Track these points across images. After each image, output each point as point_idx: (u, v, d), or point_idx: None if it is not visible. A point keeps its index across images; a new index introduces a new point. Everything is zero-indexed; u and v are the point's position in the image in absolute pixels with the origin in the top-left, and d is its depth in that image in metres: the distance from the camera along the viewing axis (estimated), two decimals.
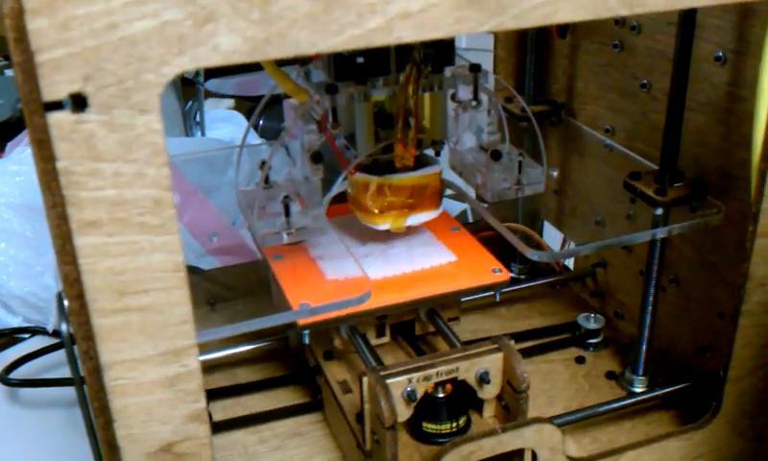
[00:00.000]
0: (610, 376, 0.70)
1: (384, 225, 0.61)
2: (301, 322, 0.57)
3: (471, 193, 0.69)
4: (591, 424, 0.65)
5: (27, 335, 0.88)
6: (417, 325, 0.67)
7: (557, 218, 0.83)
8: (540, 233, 0.82)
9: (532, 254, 0.57)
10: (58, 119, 0.34)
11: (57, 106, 0.33)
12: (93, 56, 0.33)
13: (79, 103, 0.34)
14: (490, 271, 0.64)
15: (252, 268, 0.82)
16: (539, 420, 0.55)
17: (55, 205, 0.36)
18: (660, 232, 0.60)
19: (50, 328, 0.87)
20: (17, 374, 0.79)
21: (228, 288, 0.80)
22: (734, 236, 0.59)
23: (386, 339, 0.66)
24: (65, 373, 0.80)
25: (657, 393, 0.66)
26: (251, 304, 0.79)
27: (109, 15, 0.33)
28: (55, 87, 0.33)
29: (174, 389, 0.42)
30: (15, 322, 0.89)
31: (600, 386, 0.69)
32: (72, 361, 0.44)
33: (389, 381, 0.53)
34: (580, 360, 0.72)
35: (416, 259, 0.64)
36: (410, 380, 0.54)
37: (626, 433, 0.64)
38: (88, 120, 0.34)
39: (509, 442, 0.54)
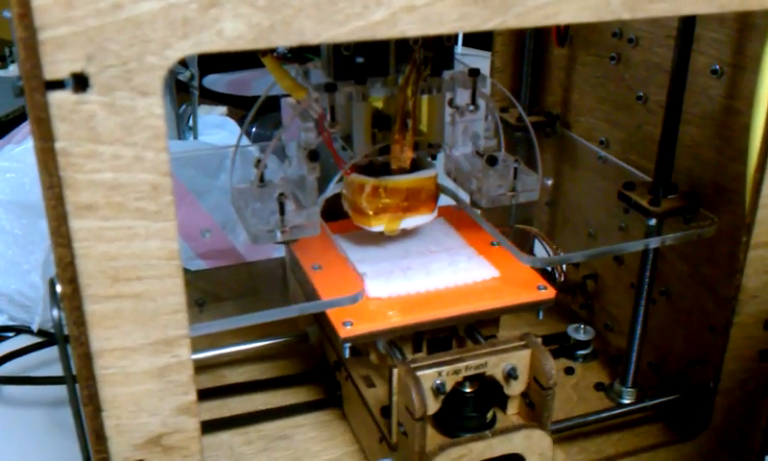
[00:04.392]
0: (599, 387, 0.70)
1: (378, 227, 0.61)
2: (343, 336, 0.56)
3: (466, 199, 0.69)
4: (580, 435, 0.65)
5: (11, 334, 0.87)
6: (453, 341, 0.65)
7: (549, 229, 0.83)
8: (532, 244, 0.82)
9: (526, 260, 0.57)
10: (58, 98, 0.33)
11: (58, 85, 0.33)
12: (97, 35, 0.33)
13: (80, 83, 0.34)
14: (535, 288, 0.62)
15: (242, 270, 0.81)
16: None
17: (52, 185, 0.35)
18: (654, 242, 0.60)
19: (35, 327, 0.86)
20: (0, 372, 0.79)
21: (216, 290, 0.80)
22: (727, 249, 0.59)
23: (422, 354, 0.64)
24: (50, 372, 0.80)
25: (645, 404, 0.66)
26: (240, 306, 0.79)
27: None
28: (57, 66, 0.33)
29: (164, 380, 0.41)
30: (0, 320, 0.88)
31: (589, 397, 0.69)
32: (63, 349, 0.43)
33: (419, 374, 0.53)
34: (569, 371, 0.72)
35: (458, 274, 0.63)
36: (439, 373, 0.54)
37: (614, 444, 0.64)
38: (89, 101, 0.34)
39: (498, 446, 0.54)
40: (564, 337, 0.74)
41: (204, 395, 0.67)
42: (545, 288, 0.62)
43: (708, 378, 0.58)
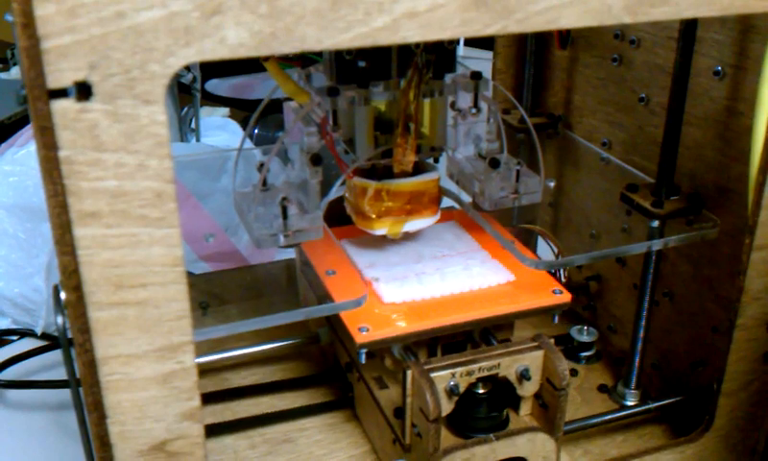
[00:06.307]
0: (602, 389, 0.70)
1: (381, 230, 0.61)
2: (360, 341, 0.56)
3: (468, 201, 0.69)
4: (583, 437, 0.65)
5: (15, 337, 0.87)
6: (468, 345, 0.64)
7: (551, 231, 0.83)
8: (535, 246, 0.82)
9: (529, 264, 0.57)
10: (62, 107, 0.34)
11: (61, 93, 0.33)
12: (100, 44, 0.33)
13: (83, 91, 0.34)
14: (550, 292, 0.61)
15: (245, 273, 0.81)
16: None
17: (56, 194, 0.35)
18: (656, 244, 0.60)
19: (39, 331, 0.86)
20: (4, 375, 0.79)
21: (219, 293, 0.80)
22: (729, 251, 0.59)
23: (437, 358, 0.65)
24: (53, 375, 0.80)
25: (649, 406, 0.66)
26: (243, 309, 0.79)
27: (117, 4, 0.32)
28: (60, 75, 0.33)
29: (168, 386, 0.41)
30: (4, 323, 0.88)
31: (592, 399, 0.69)
32: (67, 355, 0.43)
33: (433, 375, 0.53)
34: (572, 373, 0.72)
35: (473, 278, 0.62)
36: (453, 375, 0.54)
37: (618, 446, 0.64)
38: (92, 109, 0.34)
39: (501, 450, 0.54)
40: (567, 339, 0.74)
41: (209, 398, 0.67)
42: (561, 292, 0.61)
43: (712, 380, 0.58)
